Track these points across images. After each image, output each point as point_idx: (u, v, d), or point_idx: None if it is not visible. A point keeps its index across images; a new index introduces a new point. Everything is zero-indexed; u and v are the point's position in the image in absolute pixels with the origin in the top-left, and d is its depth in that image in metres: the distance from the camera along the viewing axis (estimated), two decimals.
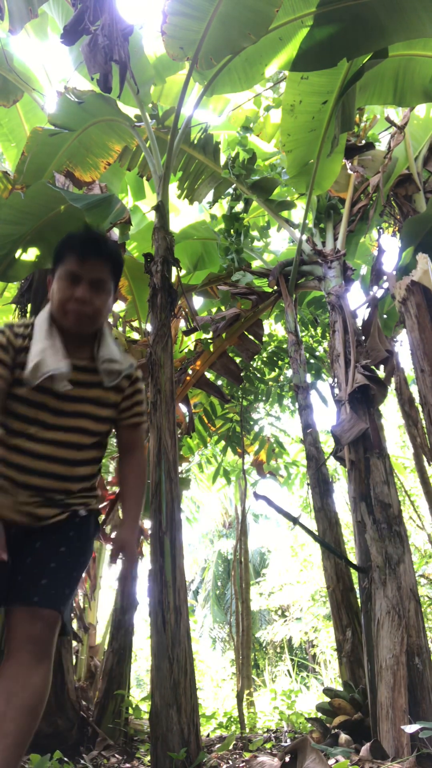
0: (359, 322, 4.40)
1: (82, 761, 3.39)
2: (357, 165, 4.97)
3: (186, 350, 6.12)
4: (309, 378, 6.09)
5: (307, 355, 6.46)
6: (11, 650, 1.48)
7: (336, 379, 3.97)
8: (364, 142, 5.04)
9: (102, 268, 1.71)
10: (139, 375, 1.84)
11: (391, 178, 5.09)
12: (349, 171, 4.97)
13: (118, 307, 6.03)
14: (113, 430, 1.85)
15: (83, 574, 1.71)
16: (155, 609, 2.98)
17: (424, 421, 4.24)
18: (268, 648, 14.31)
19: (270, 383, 6.89)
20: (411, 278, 4.03)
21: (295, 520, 3.49)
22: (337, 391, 3.95)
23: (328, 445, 6.80)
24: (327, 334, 6.06)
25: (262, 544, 15.75)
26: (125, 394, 1.79)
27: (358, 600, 3.58)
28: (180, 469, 6.97)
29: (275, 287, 5.23)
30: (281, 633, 13.25)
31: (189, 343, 6.49)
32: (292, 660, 10.46)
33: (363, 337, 4.16)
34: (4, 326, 1.73)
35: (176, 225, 5.82)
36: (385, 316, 5.60)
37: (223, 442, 6.85)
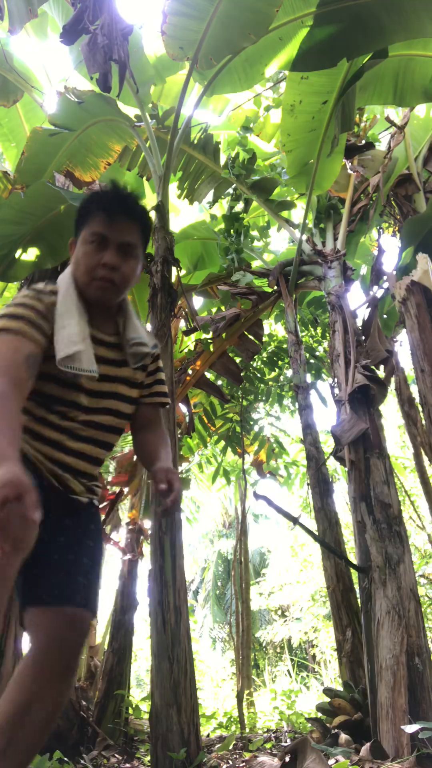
0: (359, 322, 4.40)
1: (82, 761, 3.39)
2: (357, 165, 4.97)
3: (186, 350, 6.12)
4: (309, 378, 6.09)
5: (307, 355, 6.46)
6: (38, 657, 1.33)
7: (336, 379, 3.97)
8: (364, 142, 5.04)
9: (132, 230, 1.55)
10: (159, 352, 1.74)
11: (391, 178, 5.09)
12: (349, 171, 4.97)
13: None
14: None
15: None
16: (155, 609, 2.98)
17: (424, 421, 4.24)
18: (268, 648, 14.30)
19: (270, 383, 6.89)
20: (411, 278, 4.03)
21: (295, 520, 3.49)
22: (337, 391, 3.95)
23: (328, 445, 6.80)
24: (327, 334, 6.06)
25: (262, 544, 15.75)
26: (148, 371, 1.69)
27: (358, 600, 3.58)
28: (180, 469, 6.95)
29: (275, 287, 5.23)
30: (281, 633, 13.25)
31: (189, 343, 6.49)
32: (292, 660, 10.47)
33: (363, 337, 4.16)
34: (33, 292, 1.53)
35: (176, 225, 5.82)
36: (385, 316, 5.60)
37: (223, 442, 6.85)
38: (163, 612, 2.94)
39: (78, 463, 1.53)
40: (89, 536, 1.54)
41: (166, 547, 3.10)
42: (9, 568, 1.10)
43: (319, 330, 6.75)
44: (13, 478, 1.05)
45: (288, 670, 9.86)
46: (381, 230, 5.79)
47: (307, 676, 9.87)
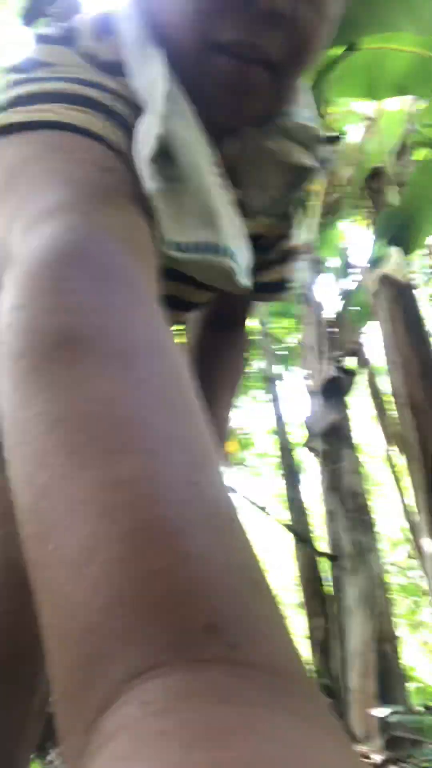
0: (331, 314, 4.44)
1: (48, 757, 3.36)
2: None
3: None
4: (280, 369, 6.12)
5: (277, 345, 6.49)
6: None
7: (308, 371, 4.00)
8: (334, 134, 5.05)
9: None
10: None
11: (364, 171, 5.13)
12: None
13: None
14: None
15: None
16: None
17: (394, 412, 4.32)
18: None
19: None
20: (383, 272, 4.07)
21: (262, 509, 3.51)
22: (309, 382, 3.99)
23: (299, 435, 6.86)
24: (299, 326, 6.10)
25: None
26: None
27: (330, 588, 3.64)
28: None
29: None
30: None
31: None
32: None
33: (334, 329, 4.20)
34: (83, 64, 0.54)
35: None
36: (358, 308, 5.66)
37: None
38: None
39: None
40: None
41: None
42: None
43: (290, 321, 6.79)
44: None
45: None
46: (353, 223, 5.84)
47: None
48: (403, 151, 5.22)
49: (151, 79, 0.49)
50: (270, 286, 0.81)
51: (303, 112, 0.61)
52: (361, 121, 5.39)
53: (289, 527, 4.08)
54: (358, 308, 5.71)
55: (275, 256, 0.79)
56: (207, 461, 0.24)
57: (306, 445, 3.86)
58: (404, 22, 3.78)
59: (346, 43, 3.95)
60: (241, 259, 0.50)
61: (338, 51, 3.99)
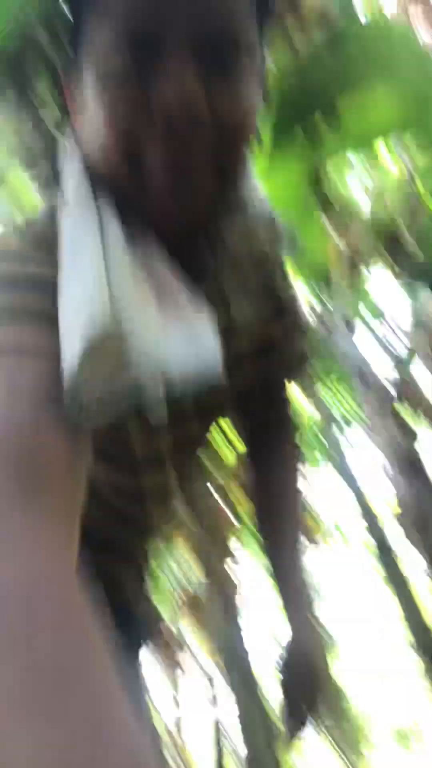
0: (388, 380, 4.32)
1: None
2: (340, 230, 5.06)
3: None
4: (345, 442, 5.92)
5: (338, 420, 6.32)
6: None
7: (380, 445, 3.88)
8: (339, 206, 5.15)
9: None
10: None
11: (380, 233, 5.18)
12: (333, 237, 5.05)
13: None
14: None
15: None
16: None
17: None
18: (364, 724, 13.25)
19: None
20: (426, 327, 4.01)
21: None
22: (384, 455, 3.86)
23: (382, 508, 6.51)
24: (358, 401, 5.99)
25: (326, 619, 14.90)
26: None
27: None
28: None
29: None
30: (378, 702, 12.30)
31: None
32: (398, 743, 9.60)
33: (396, 395, 4.08)
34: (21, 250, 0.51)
35: None
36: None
37: None
38: None
39: None
40: None
41: None
42: None
43: (348, 393, 6.62)
44: None
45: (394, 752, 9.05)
46: (377, 286, 5.83)
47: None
48: (412, 203, 5.26)
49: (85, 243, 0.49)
50: (290, 362, 0.79)
51: (254, 197, 0.61)
52: (361, 185, 5.49)
53: (402, 612, 3.80)
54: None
55: (286, 337, 0.76)
56: (109, 716, 0.24)
57: (400, 524, 3.67)
58: (380, 81, 3.90)
59: (326, 108, 4.09)
60: (187, 353, 0.46)
61: (320, 116, 4.11)
